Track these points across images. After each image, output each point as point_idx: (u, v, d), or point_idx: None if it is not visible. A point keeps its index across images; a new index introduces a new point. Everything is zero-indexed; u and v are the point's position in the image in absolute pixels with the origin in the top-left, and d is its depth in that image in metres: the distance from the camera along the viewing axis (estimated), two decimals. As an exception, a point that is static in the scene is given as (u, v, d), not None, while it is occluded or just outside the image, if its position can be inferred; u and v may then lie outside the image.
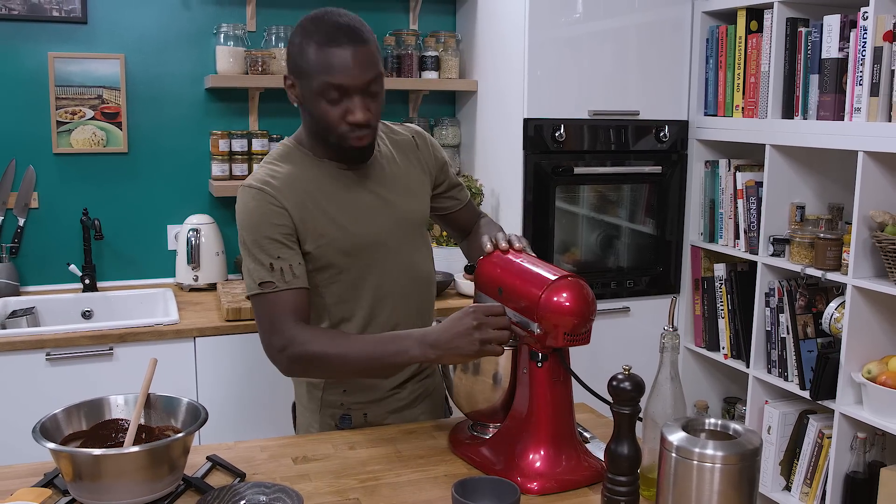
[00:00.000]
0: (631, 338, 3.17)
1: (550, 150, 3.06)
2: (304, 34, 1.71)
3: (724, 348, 3.19)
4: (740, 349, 3.12)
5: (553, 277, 1.54)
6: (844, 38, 2.62)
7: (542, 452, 1.57)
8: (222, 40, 3.16)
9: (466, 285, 3.07)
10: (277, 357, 1.72)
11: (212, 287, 3.18)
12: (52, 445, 1.44)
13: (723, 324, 3.18)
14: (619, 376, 1.43)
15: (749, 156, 3.16)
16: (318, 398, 1.92)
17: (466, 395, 1.70)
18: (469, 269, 1.84)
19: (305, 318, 1.74)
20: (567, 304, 1.51)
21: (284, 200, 1.74)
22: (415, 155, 1.96)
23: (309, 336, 1.69)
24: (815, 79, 2.74)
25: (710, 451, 1.28)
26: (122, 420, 1.62)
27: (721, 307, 3.18)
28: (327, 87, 1.68)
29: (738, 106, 3.07)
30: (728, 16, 3.13)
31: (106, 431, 1.61)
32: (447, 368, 1.73)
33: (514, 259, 1.68)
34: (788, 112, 2.86)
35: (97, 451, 1.43)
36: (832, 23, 2.64)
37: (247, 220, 1.75)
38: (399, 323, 1.87)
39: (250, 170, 3.23)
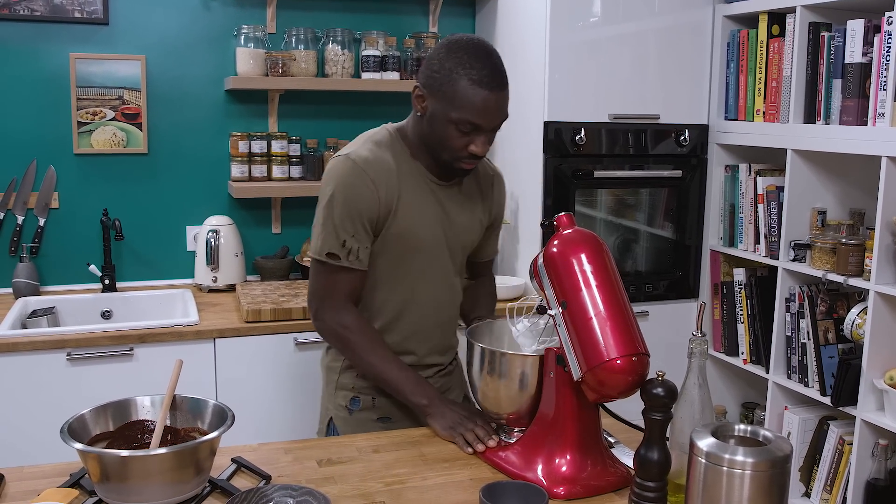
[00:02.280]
0: (649, 343, 3.14)
1: (570, 153, 3.06)
2: (457, 62, 1.75)
3: (743, 353, 3.18)
4: (760, 354, 3.10)
5: (625, 353, 1.48)
6: (868, 42, 2.61)
7: (568, 457, 1.57)
8: (242, 42, 3.17)
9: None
10: (317, 318, 1.91)
11: (230, 288, 3.19)
12: (79, 446, 1.44)
13: (742, 329, 3.17)
14: (653, 382, 1.42)
15: (770, 160, 3.15)
16: (334, 380, 2.02)
17: (493, 397, 1.70)
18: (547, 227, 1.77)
19: (356, 298, 1.90)
20: (619, 388, 1.48)
21: (380, 186, 1.82)
22: (489, 192, 2.05)
23: (352, 322, 1.87)
24: (837, 83, 2.73)
25: (740, 458, 1.28)
26: (148, 421, 1.62)
27: (740, 312, 3.17)
28: (465, 122, 1.76)
29: (759, 110, 3.05)
30: (750, 20, 3.12)
31: (132, 432, 1.61)
32: (471, 368, 1.73)
33: (598, 292, 1.55)
34: (810, 117, 2.85)
35: (125, 452, 1.44)
36: (856, 27, 2.63)
37: (341, 190, 1.81)
38: (419, 331, 1.96)
39: (269, 171, 3.23)
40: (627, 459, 1.63)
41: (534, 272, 1.63)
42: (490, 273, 2.23)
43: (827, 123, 2.77)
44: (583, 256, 1.55)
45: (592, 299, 1.51)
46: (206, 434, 1.54)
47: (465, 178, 1.97)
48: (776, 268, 2.95)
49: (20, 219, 3.10)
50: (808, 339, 2.84)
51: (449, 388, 2.10)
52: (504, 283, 3.10)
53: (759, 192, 3.04)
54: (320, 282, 1.88)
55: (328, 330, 1.90)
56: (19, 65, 3.06)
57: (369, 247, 1.86)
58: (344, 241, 1.82)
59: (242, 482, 1.59)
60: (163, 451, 1.43)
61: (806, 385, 2.88)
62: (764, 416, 3.08)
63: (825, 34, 2.77)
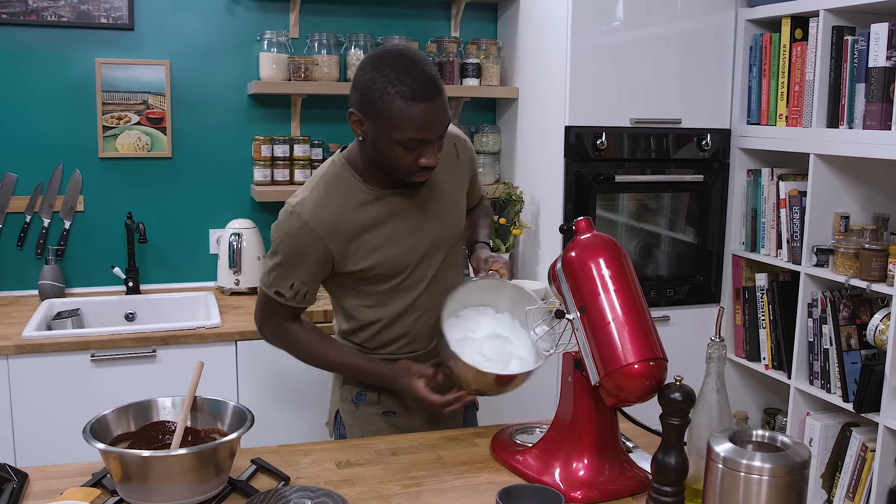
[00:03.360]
0: (671, 347, 3.13)
1: (591, 157, 3.06)
2: (386, 80, 1.68)
3: (765, 359, 3.16)
4: (782, 360, 3.08)
5: (642, 358, 1.48)
6: (892, 46, 2.59)
7: (585, 461, 1.57)
8: (266, 47, 3.19)
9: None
10: (262, 333, 1.99)
11: (252, 291, 3.21)
12: (101, 446, 1.46)
13: (764, 334, 3.15)
14: (671, 386, 1.42)
15: (792, 165, 3.13)
16: (340, 376, 2.06)
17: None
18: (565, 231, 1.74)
19: (297, 320, 1.97)
20: (636, 392, 1.48)
21: (330, 238, 1.81)
22: (454, 165, 1.99)
23: (296, 329, 1.94)
24: (861, 87, 2.71)
25: (757, 463, 1.27)
26: (169, 422, 1.64)
27: (762, 317, 3.15)
28: (408, 140, 1.71)
29: (781, 115, 3.04)
30: (772, 24, 3.11)
31: (153, 433, 1.63)
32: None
33: (616, 296, 1.54)
34: (833, 121, 2.83)
35: (146, 453, 1.46)
36: (880, 31, 2.61)
37: (288, 242, 1.83)
38: (420, 332, 1.95)
39: (292, 175, 3.25)
40: (645, 464, 1.63)
41: (552, 276, 1.64)
42: (480, 198, 2.20)
43: (850, 128, 2.76)
44: (601, 261, 1.56)
45: (610, 304, 1.51)
46: (226, 435, 1.56)
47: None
48: (798, 273, 2.94)
49: (46, 221, 3.14)
50: (831, 344, 2.82)
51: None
52: (524, 287, 3.10)
53: (782, 196, 3.02)
54: (264, 308, 1.94)
55: (273, 342, 1.99)
56: (46, 70, 3.10)
57: (317, 286, 1.91)
58: (292, 283, 1.85)
59: (262, 483, 1.60)
60: (183, 451, 1.45)
61: (828, 391, 2.86)
62: (786, 422, 3.06)
63: (849, 38, 2.76)
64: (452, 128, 1.99)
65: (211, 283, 3.34)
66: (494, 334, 1.78)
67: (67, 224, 3.17)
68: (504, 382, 1.69)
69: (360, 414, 2.01)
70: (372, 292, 1.90)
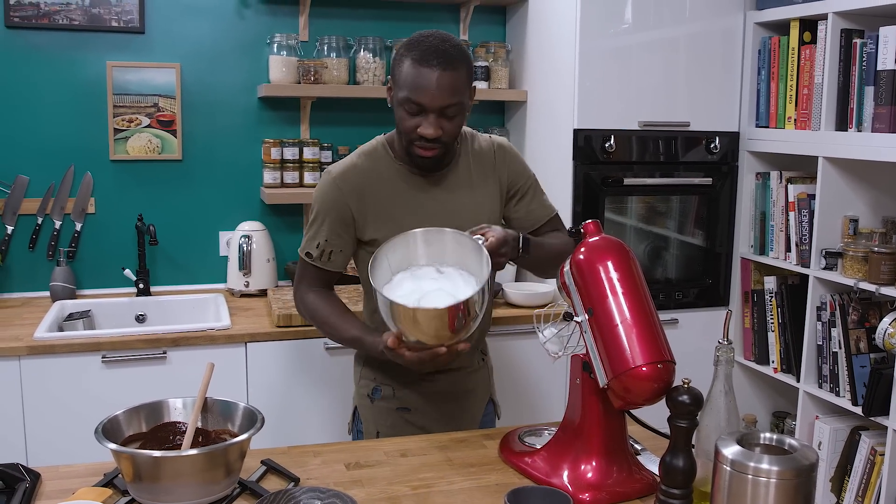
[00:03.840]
0: (679, 350, 3.13)
1: (600, 160, 3.06)
2: (406, 47, 1.86)
3: (773, 362, 3.16)
4: (791, 363, 3.08)
5: (650, 360, 1.47)
6: (901, 49, 2.59)
7: (593, 463, 1.57)
8: (275, 50, 3.21)
9: (515, 295, 3.07)
10: (295, 299, 2.11)
11: (262, 293, 3.23)
12: (113, 446, 1.47)
13: (773, 337, 3.15)
14: (679, 389, 1.43)
15: (801, 168, 3.13)
16: (358, 371, 2.14)
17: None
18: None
19: (327, 286, 2.08)
20: (644, 395, 1.48)
21: (351, 196, 1.95)
22: (491, 168, 2.06)
23: (314, 298, 2.04)
24: (870, 90, 2.71)
25: (765, 466, 1.28)
26: (180, 423, 1.66)
27: (771, 320, 3.15)
28: (408, 101, 1.84)
29: (790, 118, 3.04)
30: (781, 27, 3.11)
31: (164, 433, 1.64)
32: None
33: (625, 299, 1.54)
34: (842, 124, 2.83)
35: (157, 453, 1.47)
36: (888, 34, 2.61)
37: (318, 200, 2.00)
38: None
39: (301, 178, 3.27)
40: (653, 466, 1.63)
41: (560, 279, 1.64)
42: (559, 229, 2.16)
43: (859, 131, 2.76)
44: (609, 264, 1.56)
45: (619, 306, 1.52)
46: (236, 436, 1.57)
47: (458, 164, 2.02)
48: (807, 276, 2.94)
49: (58, 224, 3.16)
50: (840, 348, 2.82)
51: (472, 388, 2.13)
52: (532, 290, 3.11)
53: (791, 199, 3.02)
54: (299, 272, 2.08)
55: (300, 308, 2.10)
56: (58, 73, 3.12)
57: (345, 251, 2.01)
58: (318, 243, 2.00)
59: (272, 484, 1.61)
60: (194, 452, 1.46)
61: (837, 395, 2.85)
62: (794, 425, 3.06)
63: (857, 41, 2.76)
64: (500, 138, 2.12)
65: (221, 285, 3.35)
66: (420, 277, 1.78)
67: (79, 226, 3.19)
68: (438, 318, 1.64)
69: (376, 409, 2.07)
70: None
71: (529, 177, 2.13)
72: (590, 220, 1.65)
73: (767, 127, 3.16)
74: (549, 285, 3.18)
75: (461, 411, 2.11)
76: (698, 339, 3.20)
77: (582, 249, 1.60)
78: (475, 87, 1.98)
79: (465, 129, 2.07)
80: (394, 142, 2.00)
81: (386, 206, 1.96)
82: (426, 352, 1.73)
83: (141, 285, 3.16)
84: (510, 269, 3.27)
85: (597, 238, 1.62)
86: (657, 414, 1.61)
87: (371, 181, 1.97)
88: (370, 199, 1.96)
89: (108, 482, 1.59)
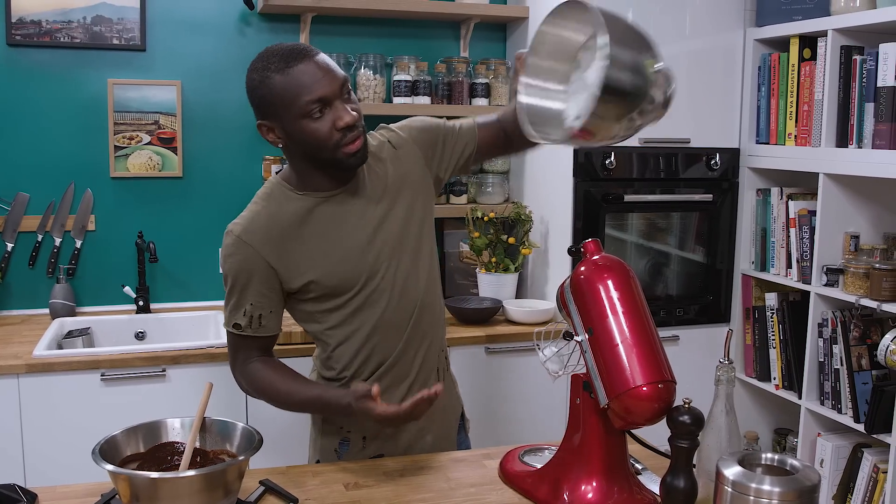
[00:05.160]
0: (680, 367, 3.12)
1: (600, 177, 3.06)
2: (260, 72, 1.69)
3: (775, 379, 3.15)
4: (792, 380, 3.07)
5: (651, 380, 1.46)
6: (901, 66, 2.59)
7: (594, 483, 1.56)
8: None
9: (515, 312, 3.07)
10: (238, 381, 1.87)
11: (262, 310, 3.22)
12: (110, 467, 1.46)
13: (774, 354, 3.14)
14: (679, 409, 1.42)
15: (802, 184, 3.13)
16: (318, 421, 1.96)
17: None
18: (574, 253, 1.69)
19: (265, 356, 1.86)
20: (645, 415, 1.47)
21: (264, 249, 1.75)
22: (395, 156, 1.87)
23: (258, 368, 1.83)
24: (870, 107, 2.71)
25: (766, 487, 1.27)
26: (178, 443, 1.65)
27: (772, 337, 3.14)
28: (308, 105, 1.65)
29: (790, 134, 3.04)
30: (781, 43, 3.11)
31: (162, 454, 1.63)
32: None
33: (625, 318, 1.52)
34: (843, 140, 2.83)
35: (154, 475, 1.46)
36: (888, 51, 2.61)
37: (228, 264, 1.79)
38: (399, 348, 1.84)
39: (301, 195, 3.26)
40: (654, 486, 1.62)
41: (560, 298, 1.64)
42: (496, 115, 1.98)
43: (859, 147, 2.76)
44: (609, 283, 1.56)
45: (619, 326, 1.51)
46: (234, 456, 1.56)
47: (366, 174, 1.82)
48: (808, 293, 2.93)
49: (58, 241, 3.16)
50: (842, 364, 2.81)
51: (443, 406, 1.96)
52: (533, 307, 3.11)
53: (791, 216, 3.02)
54: (231, 349, 1.85)
55: (241, 384, 1.87)
56: (59, 90, 3.13)
57: (275, 310, 1.80)
58: (244, 310, 1.78)
59: (270, 505, 1.60)
60: (192, 473, 1.45)
61: (839, 412, 2.84)
62: (796, 442, 3.04)
63: (857, 57, 2.76)
64: (383, 127, 1.93)
65: (220, 303, 3.33)
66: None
67: (79, 243, 3.19)
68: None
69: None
70: (331, 312, 1.81)
71: (434, 126, 1.93)
72: (590, 240, 1.64)
73: (768, 143, 3.16)
74: (549, 302, 3.18)
75: (435, 439, 1.95)
76: (699, 356, 3.19)
77: (582, 268, 1.60)
78: None
79: None
80: (289, 177, 1.81)
81: (305, 244, 1.77)
82: (402, 407, 1.59)
83: (141, 302, 3.16)
84: (510, 286, 3.26)
85: (597, 257, 1.61)
86: (658, 433, 1.60)
87: (281, 225, 1.77)
88: (286, 243, 1.76)
89: (106, 503, 1.58)
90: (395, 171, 1.87)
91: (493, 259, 3.24)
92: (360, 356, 1.84)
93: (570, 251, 1.72)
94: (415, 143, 1.91)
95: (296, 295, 1.81)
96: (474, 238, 3.24)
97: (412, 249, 1.85)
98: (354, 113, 1.69)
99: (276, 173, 1.87)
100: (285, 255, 1.77)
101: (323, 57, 1.69)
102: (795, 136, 3.02)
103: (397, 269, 1.82)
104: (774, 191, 3.13)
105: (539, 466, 1.69)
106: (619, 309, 1.52)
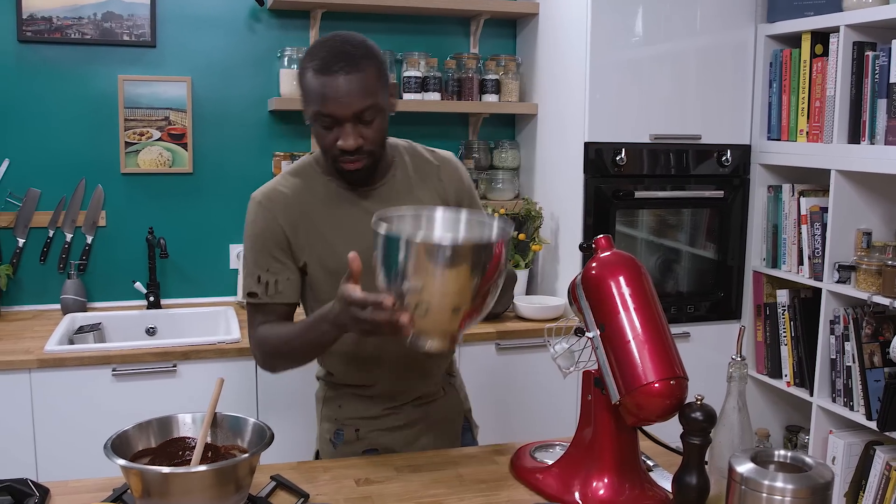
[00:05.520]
0: (691, 364, 3.11)
1: (611, 173, 3.05)
2: (307, 56, 1.71)
3: (786, 376, 3.14)
4: (804, 377, 3.06)
5: (663, 377, 1.46)
6: (914, 62, 2.58)
7: (605, 480, 1.56)
8: (286, 63, 3.21)
9: (526, 308, 3.06)
10: (254, 353, 1.87)
11: (272, 306, 3.22)
12: (122, 462, 1.46)
13: (786, 351, 3.13)
14: (692, 406, 1.42)
15: (813, 181, 3.11)
16: (319, 410, 2.00)
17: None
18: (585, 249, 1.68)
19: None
20: (656, 411, 1.47)
21: (281, 215, 1.80)
22: (435, 183, 1.91)
23: (261, 332, 1.82)
24: (882, 103, 2.69)
25: (779, 484, 1.26)
26: (190, 438, 1.65)
27: (784, 334, 3.13)
28: (319, 115, 1.69)
29: (802, 130, 3.03)
30: (792, 39, 3.10)
31: (173, 449, 1.63)
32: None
33: (636, 315, 1.53)
34: (855, 137, 2.81)
35: (166, 469, 1.46)
36: (901, 47, 2.60)
37: (248, 230, 1.84)
38: (388, 349, 1.83)
39: (311, 191, 3.27)
40: (666, 483, 1.62)
41: (572, 294, 1.63)
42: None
43: (872, 143, 2.74)
44: (621, 279, 1.55)
45: (630, 322, 1.51)
46: (245, 452, 1.57)
47: (397, 178, 1.85)
48: (820, 290, 2.92)
49: (69, 236, 3.17)
50: (854, 362, 2.80)
51: (442, 417, 1.98)
52: (543, 304, 3.10)
53: (803, 212, 3.00)
54: (249, 320, 1.86)
55: (260, 361, 1.87)
56: (70, 87, 3.14)
57: (292, 277, 1.82)
58: (258, 276, 1.81)
59: (281, 500, 1.60)
60: (203, 468, 1.45)
61: (851, 409, 2.83)
62: (808, 439, 3.03)
63: (870, 53, 2.75)
64: (445, 152, 1.96)
65: (231, 298, 3.35)
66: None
67: (89, 239, 3.19)
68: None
69: (340, 455, 1.91)
70: (332, 295, 1.75)
71: (472, 193, 1.97)
72: (601, 236, 1.64)
73: (779, 140, 3.14)
74: (560, 298, 3.17)
75: (432, 442, 1.96)
76: (710, 353, 3.18)
77: (594, 265, 1.59)
78: (394, 84, 1.80)
79: (402, 141, 1.94)
80: (320, 159, 1.85)
81: (316, 225, 1.81)
82: (372, 297, 1.47)
83: (151, 298, 3.17)
84: (520, 283, 3.25)
85: (608, 253, 1.61)
86: (670, 430, 1.60)
87: (299, 199, 1.81)
88: (300, 217, 1.80)
89: (118, 497, 1.58)
90: (426, 192, 1.88)
91: (503, 255, 3.23)
92: (354, 357, 1.87)
93: (581, 247, 1.71)
94: (455, 191, 1.92)
95: (302, 269, 1.84)
96: (484, 234, 3.23)
97: None
98: (360, 140, 1.69)
99: (311, 153, 1.91)
100: (296, 227, 1.80)
101: (357, 77, 1.65)
102: (807, 132, 3.00)
103: None
104: (786, 187, 3.11)
105: (550, 463, 1.69)
106: (631, 305, 1.52)
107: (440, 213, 1.67)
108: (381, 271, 1.48)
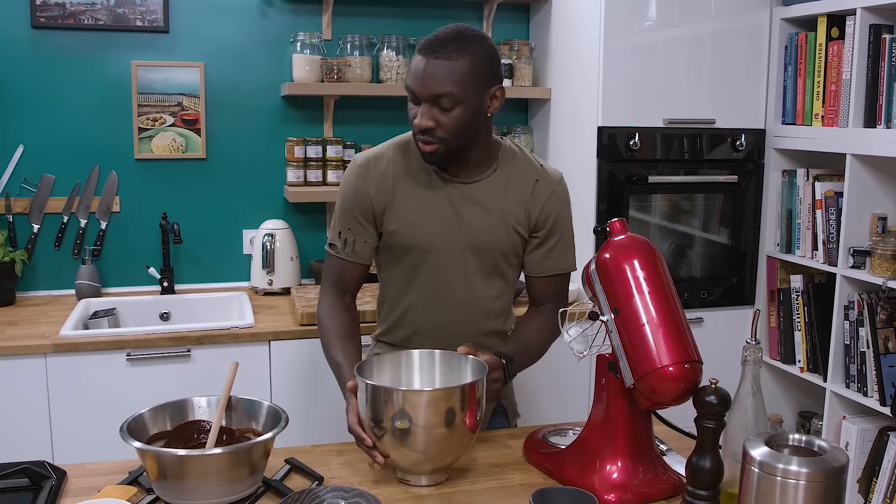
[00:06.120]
0: (703, 349, 3.11)
1: (624, 158, 3.04)
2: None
3: (800, 361, 3.13)
4: (817, 363, 3.05)
5: (677, 360, 1.46)
6: (931, 45, 2.56)
7: (619, 464, 1.56)
8: (299, 48, 3.21)
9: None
10: (319, 302, 2.01)
11: (286, 291, 3.23)
12: (138, 444, 1.48)
13: (799, 336, 3.12)
14: (706, 389, 1.41)
15: (828, 165, 3.09)
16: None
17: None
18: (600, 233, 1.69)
19: (349, 287, 2.00)
20: (671, 395, 1.47)
21: (373, 183, 1.90)
22: (526, 196, 1.94)
23: (324, 311, 1.97)
24: (899, 87, 2.68)
25: (794, 468, 1.26)
26: (204, 421, 1.66)
27: (798, 319, 3.12)
28: (407, 88, 1.81)
29: (817, 114, 3.01)
30: (808, 23, 3.07)
31: (189, 432, 1.65)
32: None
33: (651, 298, 1.52)
34: (871, 121, 2.79)
35: (182, 452, 1.47)
36: (918, 30, 2.58)
37: (342, 187, 1.96)
38: (422, 330, 1.96)
39: (325, 176, 3.27)
40: (679, 467, 1.62)
41: (586, 278, 1.63)
42: (552, 302, 2.02)
43: (888, 127, 2.72)
44: (636, 263, 1.55)
45: (645, 306, 1.51)
46: (260, 435, 1.57)
47: (493, 178, 1.91)
48: (834, 275, 2.90)
49: (83, 222, 3.18)
50: (868, 347, 2.79)
51: None
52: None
53: (818, 197, 2.99)
54: (325, 268, 2.01)
55: (317, 309, 2.01)
56: (83, 72, 3.14)
57: (369, 241, 1.94)
58: (339, 232, 1.95)
59: (296, 483, 1.61)
60: (218, 450, 1.47)
61: (865, 395, 2.82)
62: (821, 425, 3.03)
63: (886, 36, 2.72)
64: (553, 171, 2.00)
65: (244, 284, 3.36)
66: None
67: (103, 224, 3.21)
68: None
69: None
70: (397, 266, 1.95)
71: (562, 224, 1.98)
72: (616, 219, 1.63)
73: (794, 124, 3.12)
74: (574, 283, 3.16)
75: None
76: (723, 338, 3.17)
77: (608, 248, 1.59)
78: (502, 87, 1.84)
79: (516, 146, 1.98)
80: None
81: (403, 200, 1.90)
82: (363, 436, 1.61)
83: (165, 283, 3.18)
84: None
85: (623, 237, 1.61)
86: (682, 414, 1.60)
87: (395, 172, 1.91)
88: (390, 190, 1.90)
89: (133, 480, 1.60)
90: (515, 200, 1.93)
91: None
92: (401, 319, 1.99)
93: (595, 231, 1.71)
94: (541, 210, 1.95)
95: (383, 236, 1.94)
96: (497, 219, 3.23)
97: (480, 253, 1.92)
98: (431, 122, 1.77)
99: None
100: (384, 198, 1.90)
101: (444, 64, 1.74)
102: (822, 116, 2.98)
103: (459, 262, 1.92)
104: (801, 172, 3.09)
105: (563, 447, 1.69)
106: (646, 289, 1.52)
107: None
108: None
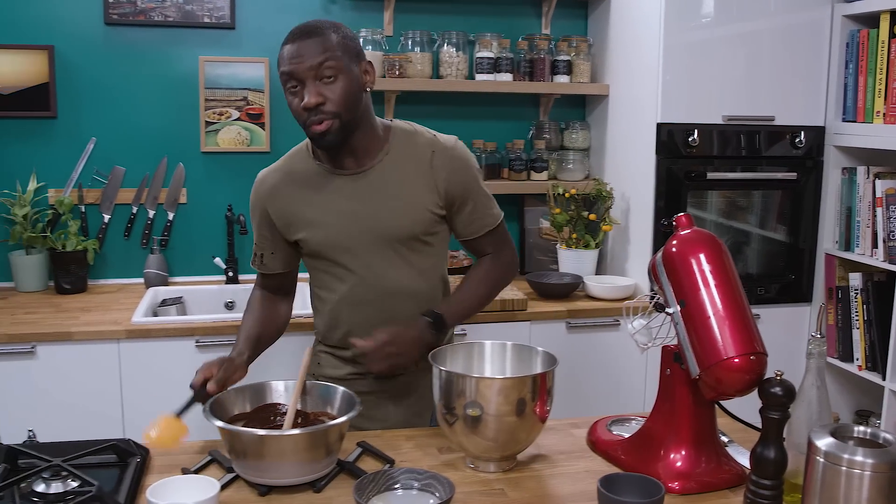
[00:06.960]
0: (760, 345, 3.13)
1: (683, 154, 3.06)
2: None
3: (858, 359, 3.12)
4: (876, 361, 3.04)
5: (743, 352, 1.49)
6: None
7: (683, 452, 1.60)
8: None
9: (596, 288, 3.09)
10: None
11: (345, 282, 3.30)
12: (221, 424, 1.55)
13: (857, 334, 3.11)
14: (771, 381, 1.44)
15: (889, 163, 3.08)
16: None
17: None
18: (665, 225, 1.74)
19: (274, 290, 2.11)
20: (736, 386, 1.49)
21: (268, 197, 1.97)
22: (426, 170, 1.92)
23: (248, 304, 2.12)
24: (964, 85, 2.66)
25: (859, 458, 1.28)
26: (281, 404, 1.73)
27: (856, 317, 3.11)
28: (283, 76, 1.82)
29: (878, 112, 2.99)
30: (870, 19, 3.06)
31: (266, 414, 1.71)
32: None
33: (717, 291, 1.55)
34: (934, 119, 2.78)
35: (262, 432, 1.53)
36: (985, 27, 2.56)
37: (250, 206, 2.04)
38: (359, 327, 1.95)
39: (384, 170, 3.33)
40: (741, 458, 1.65)
41: (653, 271, 1.67)
42: (492, 253, 2.04)
43: (952, 126, 2.71)
44: (702, 256, 1.58)
45: (711, 298, 1.54)
46: (333, 418, 1.63)
47: (384, 163, 1.91)
48: (894, 273, 2.89)
49: (151, 213, 3.29)
50: (928, 346, 2.78)
51: (407, 392, 2.05)
52: (613, 283, 3.13)
53: (878, 195, 2.98)
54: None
55: None
56: (153, 67, 3.24)
57: (276, 253, 2.02)
58: (254, 247, 2.06)
59: (368, 465, 1.67)
60: (297, 431, 1.53)
61: (924, 393, 2.81)
62: (879, 424, 3.02)
63: (951, 34, 2.71)
64: (444, 139, 1.96)
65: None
66: None
67: (171, 216, 3.30)
68: None
69: None
70: (318, 270, 2.00)
71: (473, 185, 1.96)
72: (682, 214, 1.67)
73: (855, 121, 3.11)
74: (631, 279, 3.19)
75: (403, 413, 2.05)
76: (780, 336, 3.18)
77: (674, 242, 1.62)
78: (370, 62, 1.89)
79: (405, 123, 1.98)
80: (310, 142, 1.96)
81: (300, 207, 1.93)
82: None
83: (230, 273, 3.26)
84: (590, 262, 3.28)
85: (688, 231, 1.64)
86: (745, 406, 1.63)
87: (287, 182, 1.95)
88: (286, 200, 1.94)
89: (212, 460, 1.66)
90: (416, 175, 1.92)
91: (574, 235, 3.26)
92: (333, 320, 2.02)
93: (661, 225, 1.74)
94: (447, 180, 1.93)
95: (295, 246, 2.00)
96: (555, 214, 3.26)
97: (395, 239, 1.92)
98: (320, 97, 1.78)
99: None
100: (280, 209, 1.96)
101: (314, 39, 1.79)
102: (884, 114, 2.97)
103: (376, 251, 1.93)
104: (861, 169, 3.08)
105: (627, 436, 1.73)
106: (712, 282, 1.55)
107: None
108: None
